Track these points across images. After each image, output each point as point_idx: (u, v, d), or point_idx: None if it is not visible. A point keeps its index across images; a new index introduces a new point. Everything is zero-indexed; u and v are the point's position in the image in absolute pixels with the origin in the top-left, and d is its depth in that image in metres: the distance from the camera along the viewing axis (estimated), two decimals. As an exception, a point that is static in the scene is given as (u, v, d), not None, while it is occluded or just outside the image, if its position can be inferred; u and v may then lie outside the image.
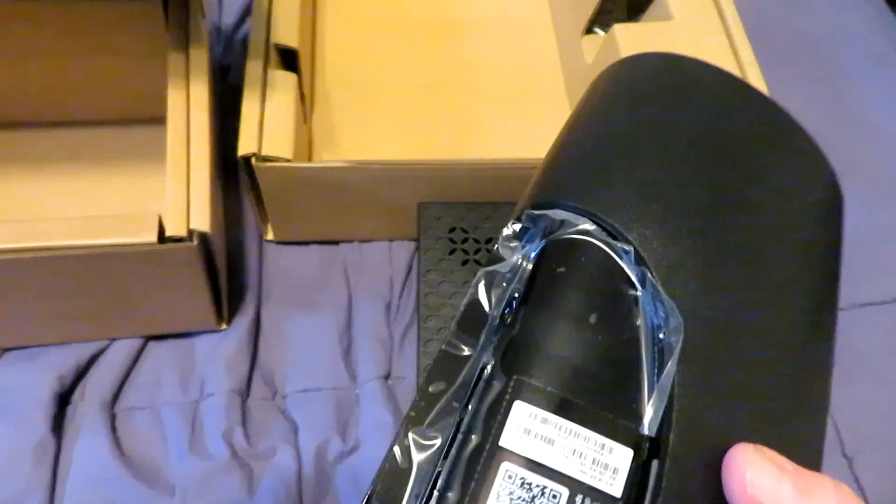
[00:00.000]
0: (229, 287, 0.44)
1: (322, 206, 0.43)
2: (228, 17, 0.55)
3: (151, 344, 0.42)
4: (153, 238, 0.34)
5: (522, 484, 0.16)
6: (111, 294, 0.38)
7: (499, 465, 0.17)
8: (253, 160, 0.39)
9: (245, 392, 0.41)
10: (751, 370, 0.19)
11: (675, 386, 0.18)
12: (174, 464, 0.39)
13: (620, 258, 0.19)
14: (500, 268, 0.20)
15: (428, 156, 0.48)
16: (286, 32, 0.43)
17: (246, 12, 0.55)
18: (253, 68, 0.41)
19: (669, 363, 0.18)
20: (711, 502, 0.18)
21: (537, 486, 0.16)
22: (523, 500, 0.16)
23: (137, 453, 0.39)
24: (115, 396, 0.40)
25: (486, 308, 0.20)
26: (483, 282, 0.20)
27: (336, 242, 0.47)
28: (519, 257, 0.21)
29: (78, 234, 0.34)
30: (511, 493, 0.16)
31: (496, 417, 0.17)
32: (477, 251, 0.41)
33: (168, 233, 0.35)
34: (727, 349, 0.19)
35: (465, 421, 0.18)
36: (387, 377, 0.42)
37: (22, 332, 0.40)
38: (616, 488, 0.17)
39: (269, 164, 0.39)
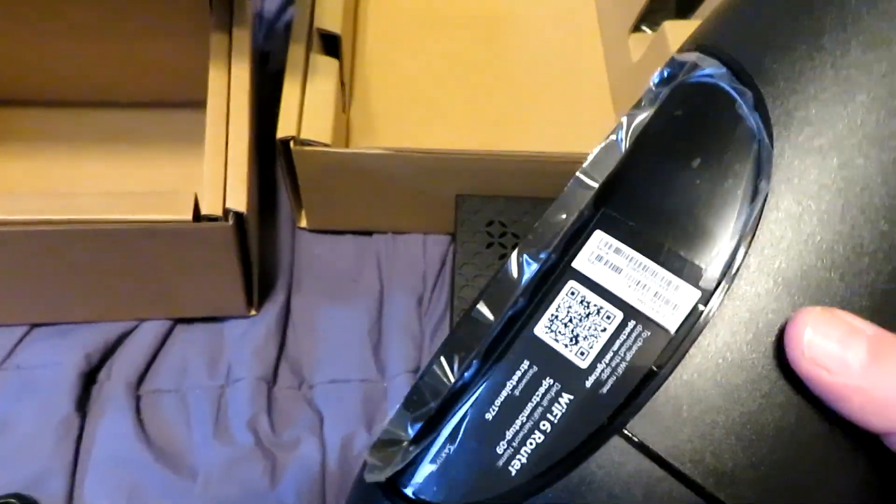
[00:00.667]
0: (260, 273, 0.43)
1: (358, 194, 0.42)
2: (270, 4, 0.55)
3: (180, 327, 0.42)
4: (188, 216, 0.33)
5: (582, 301, 0.18)
6: (143, 273, 0.37)
7: (566, 282, 0.18)
8: (291, 144, 0.38)
9: (272, 380, 0.40)
10: (862, 240, 0.17)
11: (757, 238, 0.17)
12: (198, 449, 0.38)
13: (738, 101, 0.19)
14: (640, 113, 0.20)
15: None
16: (330, 18, 0.43)
17: (288, 0, 0.55)
18: (295, 52, 0.41)
19: (755, 212, 0.17)
20: (754, 372, 0.16)
21: (595, 305, 0.18)
22: (579, 315, 0.18)
23: (161, 436, 0.38)
24: (142, 378, 0.40)
25: (619, 149, 0.20)
26: (624, 126, 0.20)
27: (370, 233, 0.46)
28: (655, 102, 0.21)
29: (114, 209, 0.34)
30: (570, 308, 0.18)
31: (575, 242, 0.19)
32: (515, 246, 0.40)
33: (204, 211, 0.34)
34: (833, 222, 0.17)
35: (555, 246, 0.19)
36: (416, 371, 0.41)
37: (52, 308, 0.40)
38: (671, 322, 0.17)
39: (307, 148, 0.38)
